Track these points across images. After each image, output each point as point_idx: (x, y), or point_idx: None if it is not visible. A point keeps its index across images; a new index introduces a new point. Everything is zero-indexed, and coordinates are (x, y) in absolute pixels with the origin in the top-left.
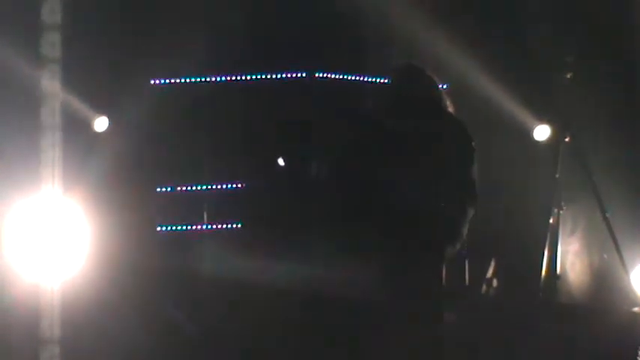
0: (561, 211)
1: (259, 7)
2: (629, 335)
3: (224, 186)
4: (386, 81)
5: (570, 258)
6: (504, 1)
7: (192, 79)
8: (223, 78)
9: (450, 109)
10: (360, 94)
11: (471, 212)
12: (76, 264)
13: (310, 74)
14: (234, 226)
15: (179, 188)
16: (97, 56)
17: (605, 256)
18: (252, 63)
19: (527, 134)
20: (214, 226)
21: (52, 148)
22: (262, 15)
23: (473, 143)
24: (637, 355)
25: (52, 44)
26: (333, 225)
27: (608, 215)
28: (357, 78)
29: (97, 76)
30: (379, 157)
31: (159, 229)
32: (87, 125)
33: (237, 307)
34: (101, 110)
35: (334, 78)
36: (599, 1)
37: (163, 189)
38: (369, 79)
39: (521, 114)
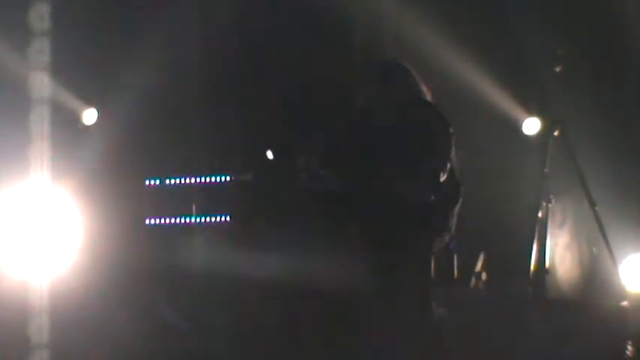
0: (550, 205)
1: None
2: (618, 329)
3: (213, 179)
4: (369, 77)
5: (559, 251)
6: None
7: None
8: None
9: (428, 99)
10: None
11: (456, 200)
12: (66, 259)
13: None
14: (223, 219)
15: (167, 181)
16: (86, 49)
17: (594, 249)
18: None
19: (517, 127)
20: (203, 220)
21: (40, 140)
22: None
23: (451, 129)
24: (625, 348)
25: (40, 36)
26: (322, 218)
27: (596, 209)
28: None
29: (86, 68)
30: (366, 150)
31: (147, 221)
32: (76, 117)
33: (226, 301)
34: (90, 103)
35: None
36: None
37: (152, 182)
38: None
39: (511, 107)
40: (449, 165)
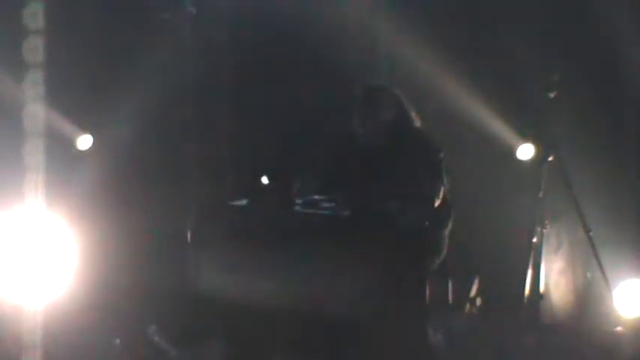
0: (545, 230)
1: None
2: (612, 354)
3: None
4: (359, 101)
5: (554, 276)
6: (490, 18)
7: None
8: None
9: (417, 124)
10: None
11: (447, 223)
12: (60, 284)
13: None
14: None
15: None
16: (81, 74)
17: (589, 274)
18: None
19: (511, 153)
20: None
21: (35, 166)
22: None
23: (441, 154)
24: None
25: (34, 52)
26: (317, 242)
27: (591, 234)
28: None
29: (80, 95)
30: (360, 175)
31: (143, 246)
32: (70, 143)
33: (219, 326)
34: (85, 128)
35: None
36: (584, 21)
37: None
38: None
39: (505, 133)
40: (442, 189)
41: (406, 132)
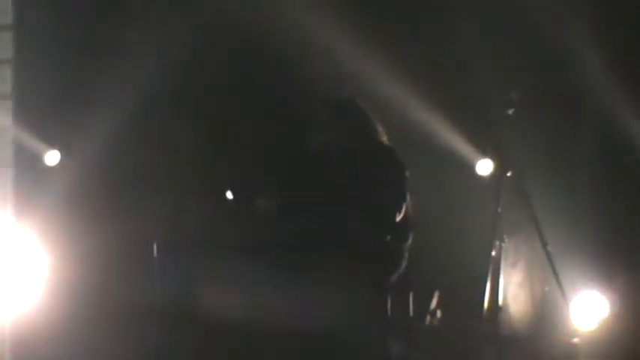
0: (503, 244)
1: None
2: None
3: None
4: (323, 114)
5: (512, 289)
6: (452, 34)
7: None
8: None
9: (384, 139)
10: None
11: (407, 238)
12: (30, 298)
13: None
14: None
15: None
16: (50, 86)
17: (546, 287)
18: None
19: (470, 168)
20: (165, 259)
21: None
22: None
23: (406, 171)
24: None
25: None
26: (282, 256)
27: (548, 248)
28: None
29: (48, 111)
30: (323, 190)
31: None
32: (38, 159)
33: (188, 339)
34: (53, 144)
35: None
36: (542, 38)
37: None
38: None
39: (465, 149)
40: (404, 205)
41: (372, 146)
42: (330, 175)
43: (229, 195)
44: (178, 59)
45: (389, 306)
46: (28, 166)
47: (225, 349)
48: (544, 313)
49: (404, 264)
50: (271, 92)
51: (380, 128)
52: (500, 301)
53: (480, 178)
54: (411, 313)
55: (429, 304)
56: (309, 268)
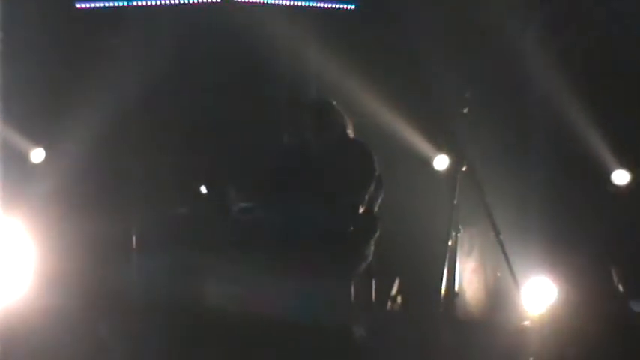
0: (459, 234)
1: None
2: (520, 347)
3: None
4: (305, 114)
5: (467, 276)
6: (410, 34)
7: None
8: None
9: (352, 136)
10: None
11: (374, 231)
12: (19, 290)
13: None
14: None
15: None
16: (35, 87)
17: (499, 273)
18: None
19: (428, 164)
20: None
21: None
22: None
23: (376, 165)
24: None
25: None
26: (253, 248)
27: (501, 237)
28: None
29: (33, 109)
30: (289, 184)
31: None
32: (24, 157)
33: (163, 327)
34: (38, 142)
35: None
36: (495, 43)
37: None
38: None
39: (423, 146)
40: (367, 199)
41: (346, 143)
42: (297, 168)
43: (203, 189)
44: (158, 62)
45: (352, 292)
46: (14, 162)
47: (196, 337)
48: (496, 298)
49: (369, 255)
50: (249, 92)
51: (351, 127)
52: (456, 287)
53: (437, 172)
54: (374, 298)
55: (390, 291)
56: (276, 258)
